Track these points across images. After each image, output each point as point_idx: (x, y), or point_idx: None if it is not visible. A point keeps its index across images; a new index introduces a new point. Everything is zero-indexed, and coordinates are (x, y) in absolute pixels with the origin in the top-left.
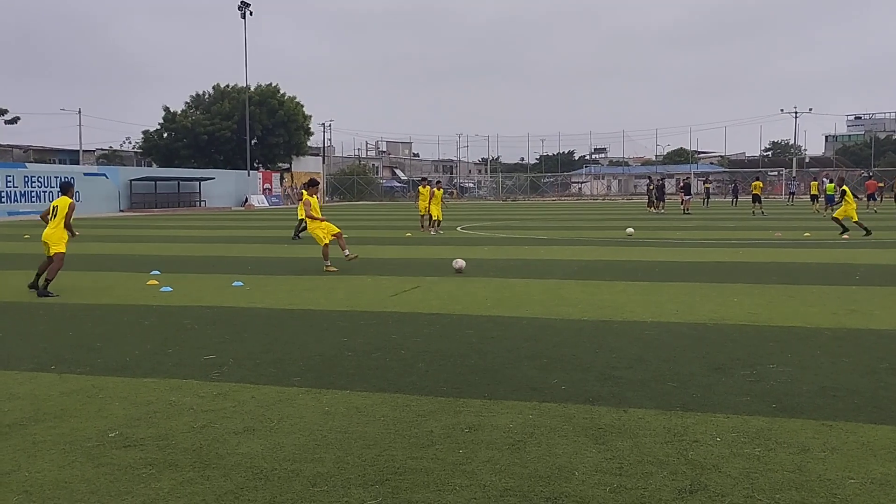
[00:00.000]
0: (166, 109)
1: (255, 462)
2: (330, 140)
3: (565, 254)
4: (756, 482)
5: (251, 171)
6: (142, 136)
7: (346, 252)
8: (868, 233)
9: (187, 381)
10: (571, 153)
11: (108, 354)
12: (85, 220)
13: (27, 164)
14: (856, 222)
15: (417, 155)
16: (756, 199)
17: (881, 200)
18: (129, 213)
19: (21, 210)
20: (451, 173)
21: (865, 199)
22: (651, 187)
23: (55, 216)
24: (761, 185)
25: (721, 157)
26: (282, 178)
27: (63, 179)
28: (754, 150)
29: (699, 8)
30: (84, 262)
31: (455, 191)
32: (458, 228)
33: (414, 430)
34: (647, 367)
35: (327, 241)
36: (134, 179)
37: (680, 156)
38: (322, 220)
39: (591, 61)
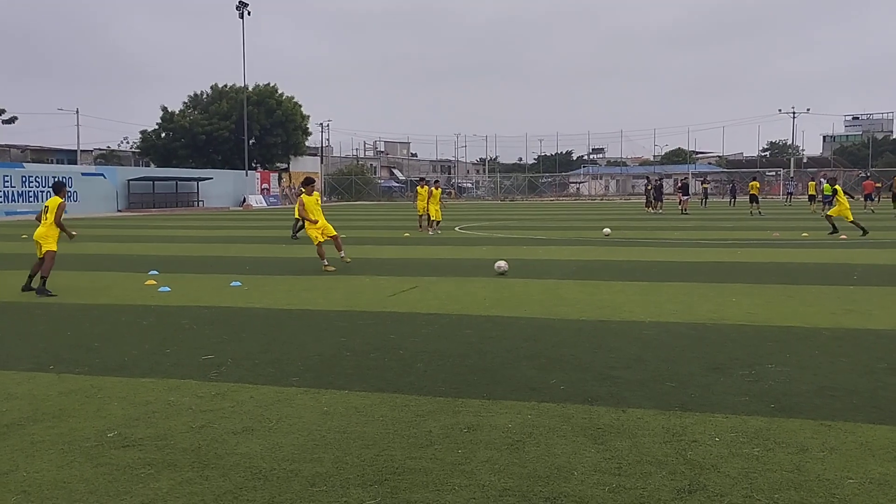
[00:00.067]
0: (164, 109)
1: (254, 462)
2: (328, 140)
3: (564, 254)
4: (755, 482)
5: (249, 171)
6: (140, 136)
7: (342, 254)
8: (865, 232)
9: (186, 381)
10: (569, 153)
11: (106, 354)
12: (83, 220)
13: (25, 164)
14: (852, 222)
15: (415, 155)
16: (753, 199)
17: (879, 201)
18: (126, 213)
19: (19, 210)
20: (450, 173)
21: (863, 199)
22: (649, 187)
23: (47, 216)
24: (758, 186)
25: (719, 157)
26: (280, 178)
27: (55, 179)
28: (752, 151)
29: (698, 8)
30: (82, 262)
31: (453, 191)
32: (457, 228)
33: (413, 430)
34: (645, 367)
35: (322, 240)
36: (132, 179)
37: (678, 156)
38: (315, 222)
39: (589, 61)
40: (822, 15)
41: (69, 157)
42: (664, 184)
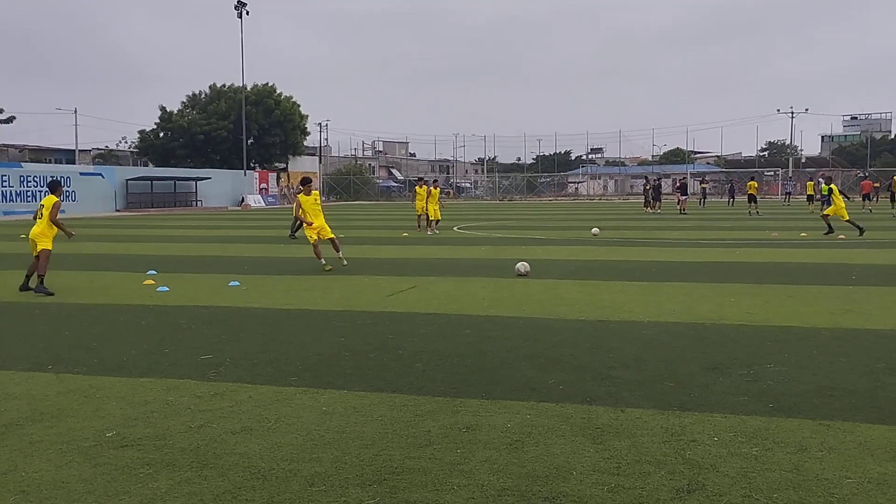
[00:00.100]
0: (163, 109)
1: (253, 462)
2: (326, 140)
3: (562, 254)
4: (753, 482)
5: (248, 171)
6: (138, 135)
7: (340, 254)
8: (861, 231)
9: (184, 381)
10: (568, 153)
11: (104, 354)
12: (81, 220)
13: (23, 164)
14: (847, 221)
15: (414, 155)
16: (752, 199)
17: (877, 200)
18: (125, 212)
19: (17, 210)
20: (448, 173)
21: (861, 199)
22: (648, 187)
23: (42, 214)
24: (756, 185)
25: (717, 157)
26: (278, 178)
27: (51, 178)
28: (751, 151)
29: (696, 8)
30: (80, 261)
31: (451, 191)
32: (455, 228)
33: (412, 430)
34: (644, 367)
35: (317, 240)
36: (130, 179)
37: (676, 156)
38: (310, 224)
39: (588, 61)
40: (820, 15)
41: (67, 156)
42: (663, 184)
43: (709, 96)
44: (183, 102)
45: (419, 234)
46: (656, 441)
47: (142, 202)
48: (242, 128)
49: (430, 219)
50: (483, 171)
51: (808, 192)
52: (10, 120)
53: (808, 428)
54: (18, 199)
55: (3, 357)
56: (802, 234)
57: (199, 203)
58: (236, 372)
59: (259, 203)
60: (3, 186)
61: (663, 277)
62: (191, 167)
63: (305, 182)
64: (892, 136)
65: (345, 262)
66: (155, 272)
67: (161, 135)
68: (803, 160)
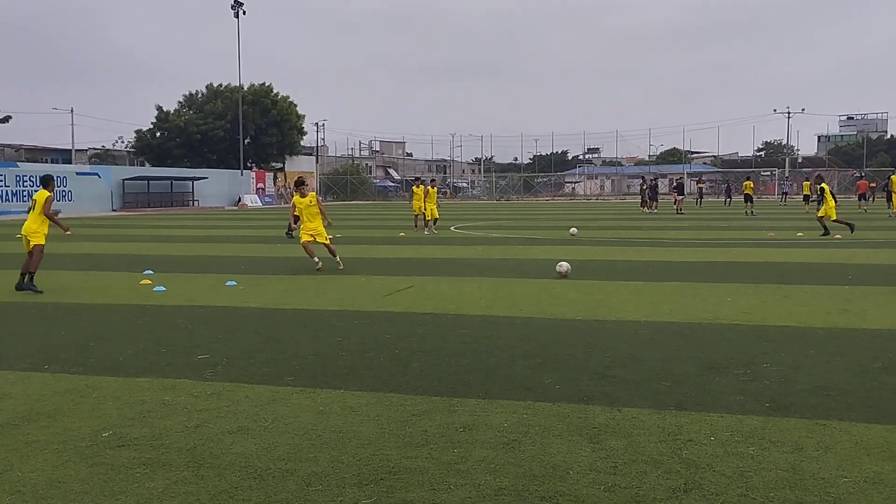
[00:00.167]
0: (159, 109)
1: (250, 462)
2: (323, 139)
3: (559, 253)
4: (750, 481)
5: (244, 171)
6: (134, 135)
7: (337, 258)
8: (852, 228)
9: (181, 381)
10: (565, 153)
11: (101, 354)
12: (77, 220)
13: (19, 164)
14: (835, 221)
15: (411, 154)
16: (748, 198)
17: (873, 200)
18: (121, 212)
19: (12, 210)
20: (445, 173)
21: (857, 198)
22: (644, 187)
23: (34, 209)
24: (752, 185)
25: (714, 157)
26: (275, 178)
27: (44, 174)
28: (747, 151)
29: (694, 8)
30: (77, 261)
31: (448, 190)
32: (452, 228)
33: (408, 430)
34: (641, 367)
35: (308, 239)
36: (127, 179)
37: (673, 156)
38: (295, 223)
39: (585, 62)
40: (817, 15)
41: (64, 156)
42: (659, 184)
43: (705, 96)
44: (180, 102)
45: (416, 233)
46: (653, 440)
47: (138, 202)
48: (239, 127)
49: (428, 218)
50: (480, 171)
51: (805, 192)
52: (6, 119)
53: (805, 427)
54: (14, 199)
55: None
56: (799, 234)
57: (195, 203)
58: (233, 372)
59: (256, 203)
60: None
61: (659, 277)
62: (187, 167)
63: (299, 184)
64: (889, 136)
65: (341, 266)
66: (151, 272)
67: (158, 134)
68: (800, 160)
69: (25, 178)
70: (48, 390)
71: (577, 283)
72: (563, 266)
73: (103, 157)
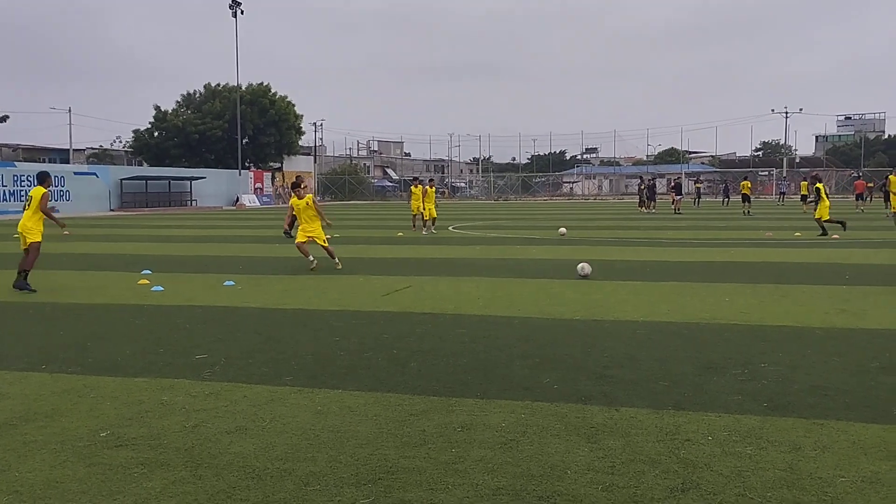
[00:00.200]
0: (157, 108)
1: (248, 461)
2: (321, 139)
3: (557, 253)
4: (748, 480)
5: (242, 171)
6: (132, 135)
7: (335, 260)
8: (844, 226)
9: (179, 381)
10: (563, 153)
11: (99, 354)
12: (75, 220)
13: (16, 163)
14: (827, 221)
15: (409, 154)
16: (745, 198)
17: (870, 200)
18: (119, 212)
19: (10, 209)
20: (443, 173)
21: (854, 198)
22: (642, 187)
23: (29, 205)
24: (750, 185)
25: (712, 157)
26: (273, 178)
27: (40, 170)
28: (745, 150)
29: (692, 8)
30: (75, 261)
31: (446, 190)
32: (451, 228)
33: (406, 430)
34: (638, 367)
35: (303, 240)
36: (124, 179)
37: (671, 156)
38: (300, 225)
39: (583, 62)
40: (814, 15)
41: (61, 156)
42: (657, 183)
43: (704, 96)
44: (178, 102)
45: (414, 233)
46: (651, 440)
47: (136, 202)
48: (237, 127)
49: (426, 218)
50: (478, 171)
51: (802, 192)
52: (3, 119)
53: (802, 427)
54: (12, 199)
55: None
56: (797, 234)
57: (193, 203)
58: (231, 371)
59: (254, 203)
60: None
61: (657, 277)
62: (185, 167)
63: (296, 185)
64: (886, 136)
65: (339, 266)
66: (149, 272)
67: (156, 134)
68: (797, 160)
69: (23, 178)
70: (46, 390)
71: (575, 282)
72: (586, 268)
73: (101, 156)
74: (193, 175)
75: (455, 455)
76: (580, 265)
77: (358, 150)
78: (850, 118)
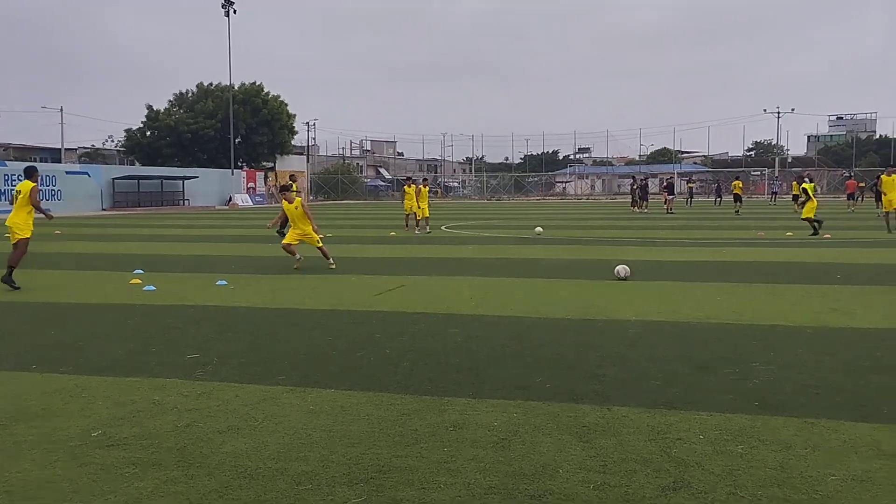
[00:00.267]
0: (149, 108)
1: (240, 461)
2: (314, 139)
3: (549, 253)
4: (739, 479)
5: (235, 170)
6: (125, 134)
7: (330, 261)
8: (820, 224)
9: (171, 381)
10: (556, 153)
11: (91, 354)
12: (67, 219)
13: (7, 163)
14: (804, 218)
15: (402, 154)
16: (737, 198)
17: (862, 200)
18: (111, 211)
19: (0, 209)
20: (436, 172)
21: (846, 198)
22: (635, 187)
23: (17, 200)
24: (741, 185)
25: (704, 156)
26: (266, 177)
27: (27, 165)
28: (737, 150)
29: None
30: (66, 260)
31: (439, 190)
32: (443, 227)
33: (398, 429)
34: (630, 366)
35: (291, 242)
36: (117, 178)
37: (663, 155)
38: (283, 225)
39: (576, 61)
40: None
41: (53, 155)
42: (650, 183)
43: (697, 97)
44: (170, 101)
45: (407, 233)
46: (642, 439)
47: (128, 201)
48: (230, 127)
49: (419, 217)
50: (471, 171)
51: (794, 192)
52: None
53: (793, 426)
54: (2, 199)
55: None
56: (788, 234)
57: (186, 202)
58: (223, 371)
59: (246, 202)
60: None
61: (649, 276)
62: (178, 166)
63: (284, 189)
64: (878, 137)
65: (333, 266)
66: (142, 271)
67: (148, 134)
68: (789, 160)
69: (14, 177)
70: (37, 390)
71: (568, 282)
72: (624, 270)
73: (93, 156)
74: (186, 175)
75: (447, 454)
76: (617, 267)
77: (351, 149)
78: (841, 118)
